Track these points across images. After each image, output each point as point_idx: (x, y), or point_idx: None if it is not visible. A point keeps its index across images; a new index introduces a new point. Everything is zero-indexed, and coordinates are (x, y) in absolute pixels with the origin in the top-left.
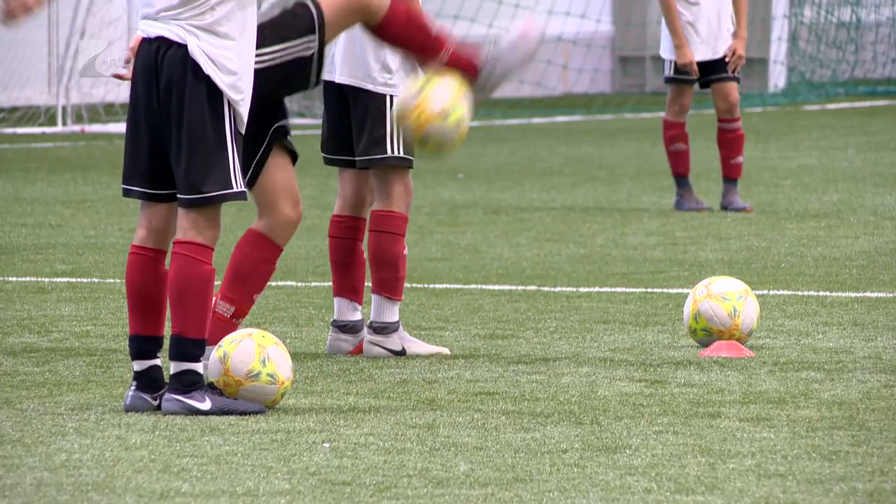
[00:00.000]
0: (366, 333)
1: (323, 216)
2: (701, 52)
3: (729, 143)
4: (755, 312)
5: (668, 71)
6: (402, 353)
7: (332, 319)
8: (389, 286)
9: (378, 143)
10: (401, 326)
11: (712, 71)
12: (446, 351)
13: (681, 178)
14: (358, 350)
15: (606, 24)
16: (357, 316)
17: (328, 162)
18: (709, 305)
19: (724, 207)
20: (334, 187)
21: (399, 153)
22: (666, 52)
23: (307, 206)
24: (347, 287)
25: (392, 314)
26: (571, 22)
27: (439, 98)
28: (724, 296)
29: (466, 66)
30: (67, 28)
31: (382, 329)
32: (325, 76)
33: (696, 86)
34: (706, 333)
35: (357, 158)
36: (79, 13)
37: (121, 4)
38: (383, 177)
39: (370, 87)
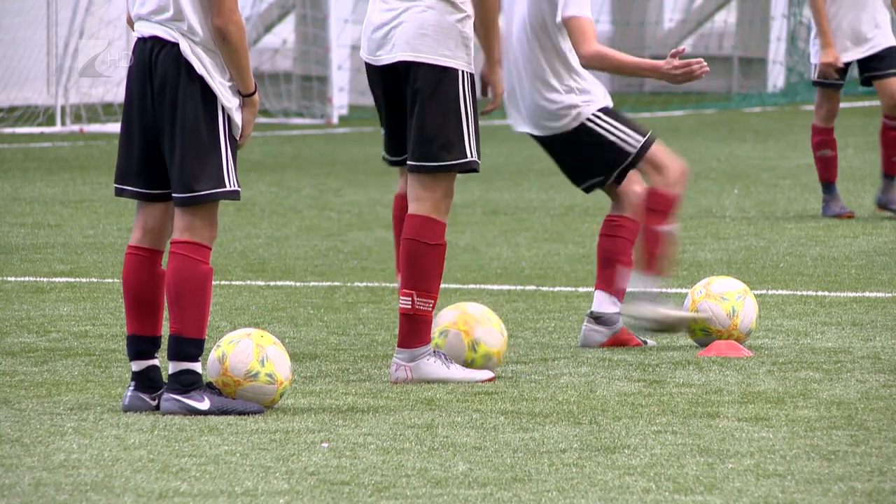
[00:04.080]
0: (586, 322)
1: (321, 216)
2: (851, 52)
3: (892, 141)
4: (754, 313)
5: (814, 75)
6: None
7: (588, 311)
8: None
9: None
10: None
11: (872, 68)
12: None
13: (828, 185)
14: (611, 342)
15: (605, 23)
16: (614, 309)
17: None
18: (707, 305)
19: (884, 206)
20: (333, 187)
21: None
22: (814, 55)
23: (306, 207)
24: (609, 281)
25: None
26: None
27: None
28: (723, 296)
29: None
30: (66, 28)
31: (603, 319)
32: None
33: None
34: (705, 333)
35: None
36: (78, 13)
37: (120, 4)
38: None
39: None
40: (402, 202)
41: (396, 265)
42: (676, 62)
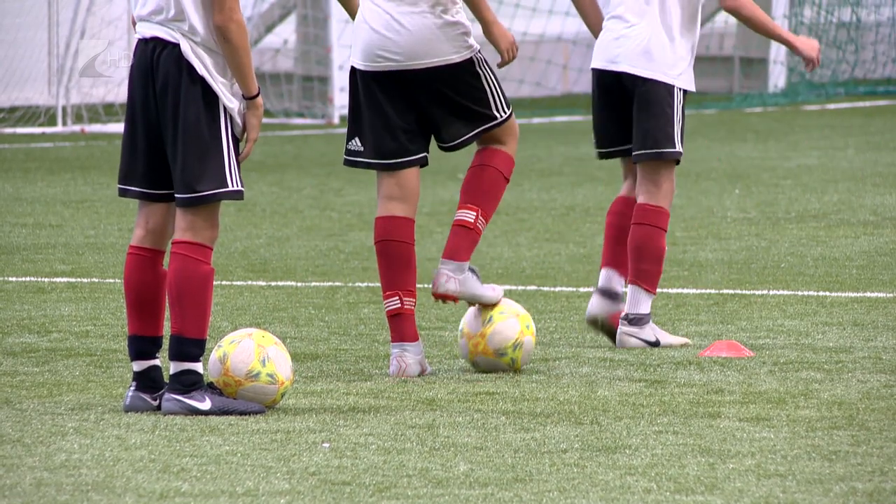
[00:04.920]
0: (620, 325)
1: (322, 216)
2: None
3: None
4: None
5: None
6: (656, 343)
7: (598, 286)
8: (649, 279)
9: (656, 140)
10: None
11: None
12: (690, 342)
13: None
14: (614, 318)
15: None
16: (620, 289)
17: (605, 156)
18: (484, 361)
19: None
20: (334, 187)
21: (675, 148)
22: None
23: (307, 207)
24: (622, 262)
25: (647, 306)
26: (571, 22)
27: (499, 339)
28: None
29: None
30: (67, 28)
31: (637, 320)
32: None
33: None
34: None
35: (634, 153)
36: (79, 13)
37: (121, 4)
38: (654, 171)
39: (661, 77)
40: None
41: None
42: (816, 43)
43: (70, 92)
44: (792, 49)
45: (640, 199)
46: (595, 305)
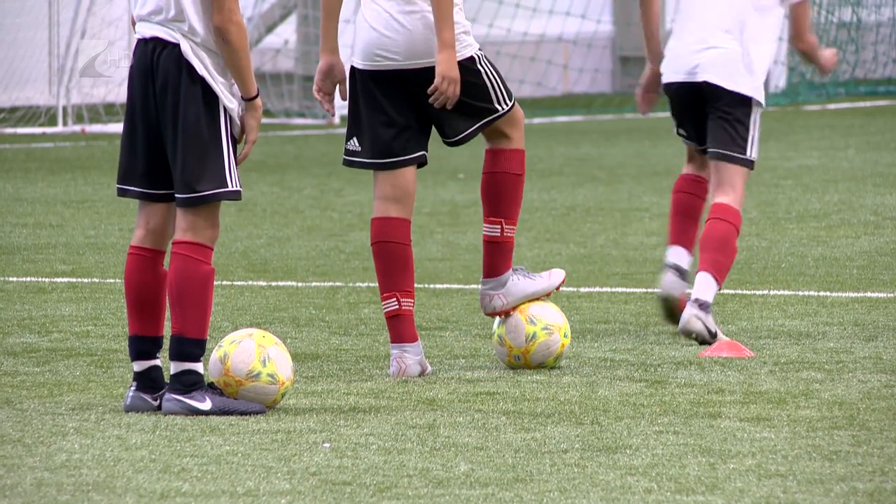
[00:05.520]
0: (688, 306)
1: (323, 216)
2: None
3: None
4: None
5: None
6: (714, 335)
7: (669, 262)
8: (721, 271)
9: (734, 146)
10: None
11: None
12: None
13: None
14: (683, 300)
15: (607, 24)
16: (687, 267)
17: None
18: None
19: None
20: (335, 187)
21: (750, 156)
22: None
23: (308, 207)
24: (688, 239)
25: (713, 296)
26: (572, 22)
27: (542, 356)
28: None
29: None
30: (68, 28)
31: (705, 306)
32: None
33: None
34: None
35: (709, 150)
36: (79, 13)
37: (121, 4)
38: (732, 175)
39: (742, 90)
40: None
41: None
42: (835, 57)
43: (70, 92)
44: (815, 62)
45: (719, 199)
46: (669, 283)
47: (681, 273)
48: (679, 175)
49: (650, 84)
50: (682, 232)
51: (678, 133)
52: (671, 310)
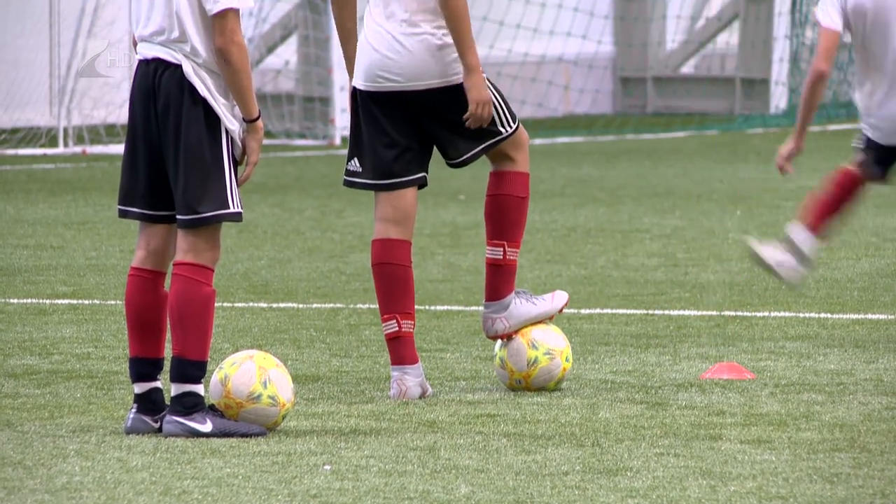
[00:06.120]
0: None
1: (324, 237)
2: None
3: None
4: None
5: None
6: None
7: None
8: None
9: None
10: None
11: None
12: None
13: None
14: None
15: (608, 45)
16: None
17: None
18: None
19: None
20: (336, 209)
21: None
22: None
23: (309, 228)
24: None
25: (810, 249)
26: (573, 43)
27: (543, 380)
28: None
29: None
30: (69, 50)
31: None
32: None
33: None
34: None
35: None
36: (80, 35)
37: (122, 26)
38: None
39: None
40: None
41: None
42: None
43: (71, 113)
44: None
45: None
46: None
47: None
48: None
49: (791, 156)
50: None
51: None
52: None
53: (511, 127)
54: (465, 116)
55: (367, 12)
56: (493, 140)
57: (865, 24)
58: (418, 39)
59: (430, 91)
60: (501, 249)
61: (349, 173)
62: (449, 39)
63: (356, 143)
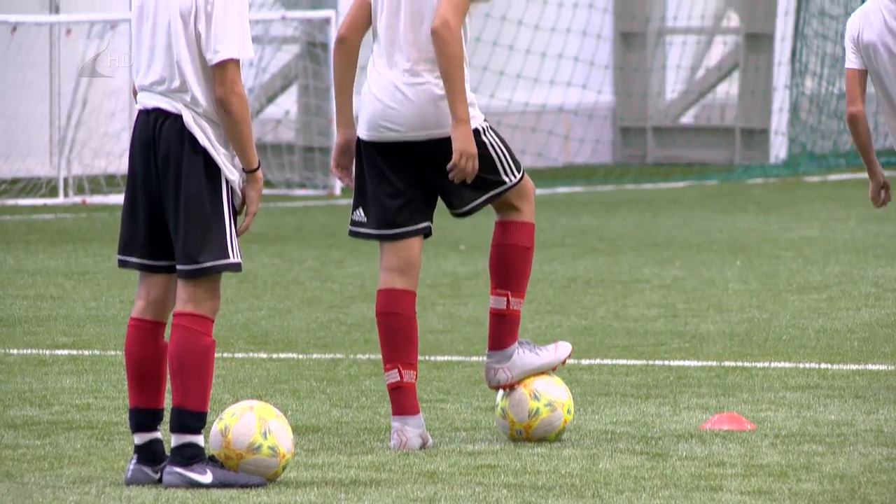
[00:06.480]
0: None
1: (324, 288)
2: None
3: None
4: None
5: None
6: None
7: None
8: None
9: None
10: None
11: None
12: None
13: None
14: None
15: (608, 94)
16: None
17: None
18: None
19: None
20: (336, 259)
21: None
22: None
23: (308, 278)
24: None
25: None
26: (573, 93)
27: (544, 431)
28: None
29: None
30: (69, 100)
31: None
32: None
33: None
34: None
35: None
36: (80, 85)
37: (123, 77)
38: None
39: None
40: None
41: None
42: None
43: (72, 163)
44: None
45: None
46: None
47: None
48: None
49: (878, 192)
50: None
51: None
52: None
53: (515, 176)
54: (448, 167)
55: (370, 62)
56: (498, 190)
57: (877, 59)
58: (420, 89)
59: (432, 141)
60: (505, 299)
61: (354, 223)
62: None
63: (360, 193)
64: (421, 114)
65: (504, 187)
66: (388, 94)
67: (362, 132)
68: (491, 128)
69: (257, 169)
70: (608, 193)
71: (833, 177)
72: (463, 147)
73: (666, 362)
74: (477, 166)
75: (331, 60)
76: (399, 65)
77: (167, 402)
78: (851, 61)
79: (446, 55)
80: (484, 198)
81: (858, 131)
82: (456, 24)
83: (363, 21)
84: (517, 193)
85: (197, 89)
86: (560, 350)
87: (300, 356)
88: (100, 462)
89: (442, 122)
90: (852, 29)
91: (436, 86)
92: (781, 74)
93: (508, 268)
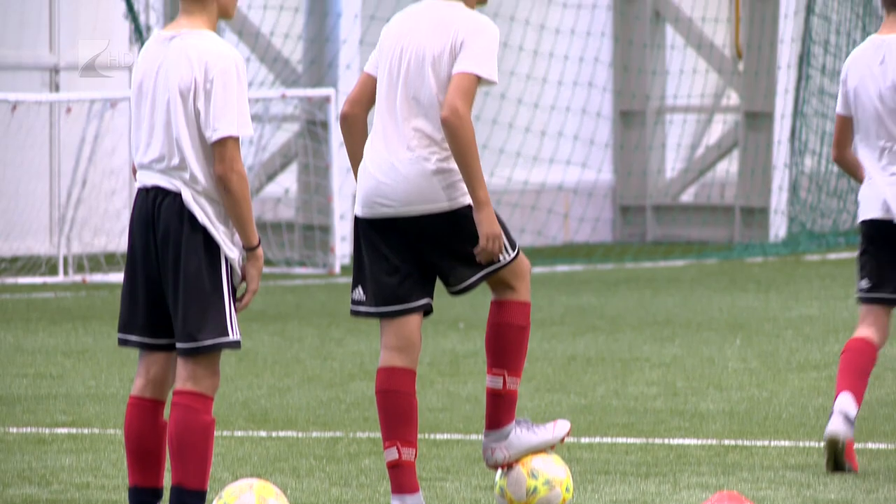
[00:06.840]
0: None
1: (324, 366)
2: None
3: None
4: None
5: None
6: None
7: (838, 409)
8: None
9: None
10: None
11: None
12: None
13: None
14: (850, 445)
15: (607, 173)
16: (855, 414)
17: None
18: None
19: None
20: (336, 337)
21: None
22: None
23: (308, 357)
24: (859, 388)
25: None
26: (572, 171)
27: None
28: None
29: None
30: (69, 179)
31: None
32: None
33: None
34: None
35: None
36: (80, 163)
37: (122, 155)
38: None
39: None
40: None
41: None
42: None
43: (71, 242)
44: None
45: None
46: (838, 426)
47: (849, 419)
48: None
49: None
50: (852, 382)
51: (860, 300)
52: (838, 454)
53: (510, 254)
54: (475, 251)
55: (369, 139)
56: (493, 267)
57: (856, 103)
58: (413, 164)
59: (426, 217)
60: (502, 378)
61: (354, 302)
62: (445, 165)
63: (359, 271)
64: (414, 189)
65: (500, 264)
66: (383, 170)
67: (358, 209)
68: None
69: (258, 246)
70: (608, 272)
71: (833, 255)
72: (489, 230)
73: (666, 441)
74: (503, 247)
75: (330, 139)
76: (393, 140)
77: (167, 481)
78: (840, 105)
79: (460, 142)
80: (479, 275)
81: (847, 169)
82: (466, 111)
83: (366, 98)
84: (512, 272)
85: (196, 167)
86: (558, 428)
87: (300, 434)
88: None
89: (435, 198)
90: (843, 72)
91: (427, 161)
92: (781, 153)
93: (504, 347)
